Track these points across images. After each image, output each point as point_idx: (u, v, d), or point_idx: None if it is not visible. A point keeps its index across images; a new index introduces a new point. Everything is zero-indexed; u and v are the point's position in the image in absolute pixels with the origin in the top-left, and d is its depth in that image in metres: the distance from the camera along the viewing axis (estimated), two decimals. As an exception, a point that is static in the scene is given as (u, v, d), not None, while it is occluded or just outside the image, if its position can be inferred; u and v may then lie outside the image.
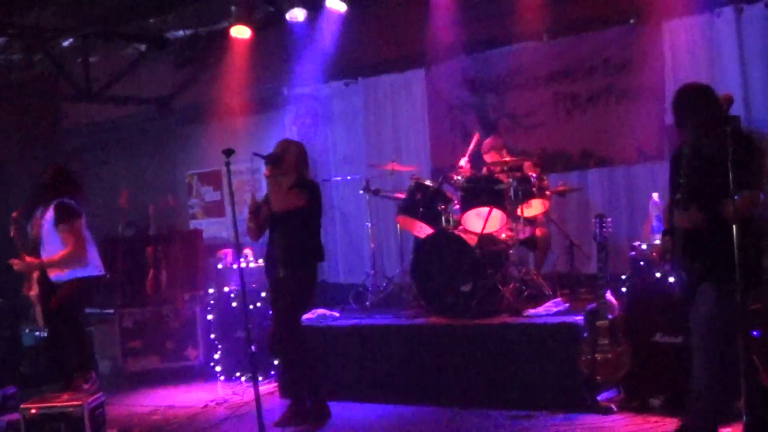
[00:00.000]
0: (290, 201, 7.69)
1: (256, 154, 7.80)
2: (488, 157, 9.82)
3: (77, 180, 8.62)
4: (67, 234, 8.14)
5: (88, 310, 9.29)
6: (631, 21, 10.12)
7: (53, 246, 8.19)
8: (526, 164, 9.52)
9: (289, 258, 7.75)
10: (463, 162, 9.87)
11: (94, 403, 7.64)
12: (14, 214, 8.54)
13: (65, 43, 12.73)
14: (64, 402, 7.59)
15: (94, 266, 8.43)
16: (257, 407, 6.40)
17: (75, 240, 8.15)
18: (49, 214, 8.20)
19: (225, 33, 11.38)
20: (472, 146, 9.99)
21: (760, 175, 5.64)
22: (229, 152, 6.58)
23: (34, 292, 8.46)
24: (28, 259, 8.22)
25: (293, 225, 7.74)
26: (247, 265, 10.45)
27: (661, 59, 9.90)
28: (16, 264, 8.30)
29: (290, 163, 7.82)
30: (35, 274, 8.49)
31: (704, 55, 9.67)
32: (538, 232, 9.63)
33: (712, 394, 5.77)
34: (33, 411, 7.53)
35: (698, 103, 5.87)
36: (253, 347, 6.43)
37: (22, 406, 7.62)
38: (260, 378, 7.47)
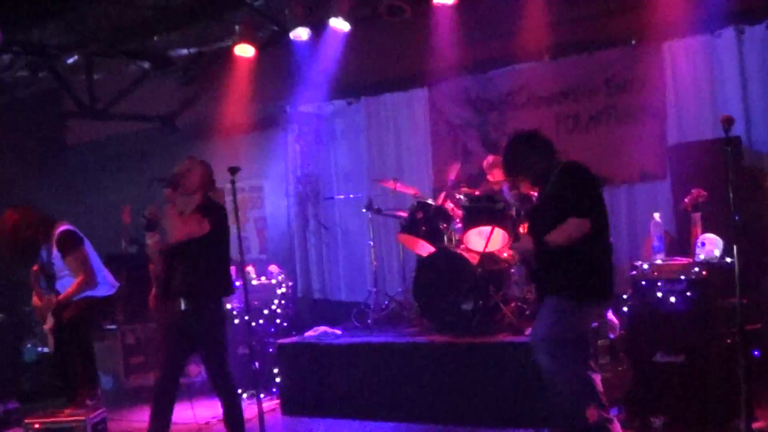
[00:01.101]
0: (190, 228, 6.84)
1: (154, 179, 7.07)
2: (492, 177, 9.86)
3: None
4: (74, 264, 8.16)
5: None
6: (633, 41, 10.19)
7: (68, 277, 8.23)
8: (523, 184, 9.48)
9: (192, 291, 6.88)
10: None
11: (97, 419, 7.68)
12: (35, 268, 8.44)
13: (69, 60, 12.78)
14: (68, 417, 7.62)
15: (103, 286, 8.46)
16: (260, 424, 6.40)
17: (83, 269, 8.15)
18: (55, 249, 8.24)
19: (229, 51, 11.43)
20: (452, 176, 10.07)
21: (586, 202, 6.09)
22: (234, 170, 6.60)
23: (48, 326, 8.41)
24: (46, 298, 8.21)
25: (195, 254, 6.84)
26: (249, 283, 10.46)
27: (662, 80, 9.97)
28: (36, 303, 8.32)
29: (194, 182, 7.11)
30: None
31: (705, 75, 9.76)
32: (539, 251, 9.65)
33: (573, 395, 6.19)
34: (36, 426, 7.57)
35: (526, 151, 6.44)
36: (256, 364, 6.45)
37: (25, 420, 7.66)
38: (262, 395, 7.42)
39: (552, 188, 6.23)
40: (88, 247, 8.41)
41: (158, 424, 7.09)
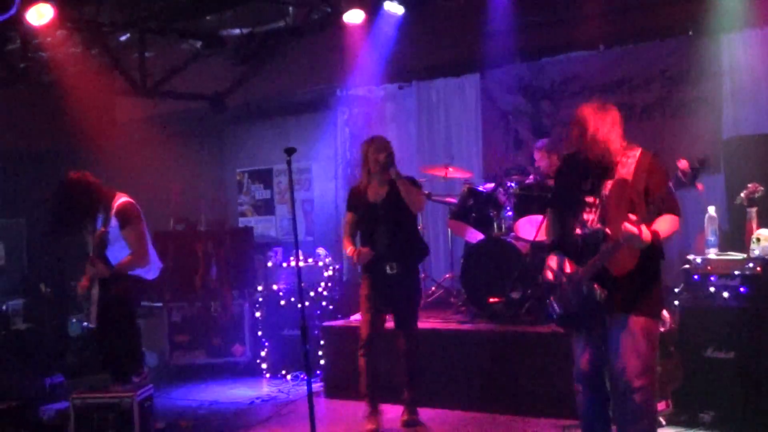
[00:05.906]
0: (421, 198, 7.70)
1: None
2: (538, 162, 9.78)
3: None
4: (131, 237, 7.95)
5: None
6: (690, 33, 10.04)
7: (120, 248, 8.02)
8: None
9: (401, 254, 7.57)
10: None
11: (144, 395, 7.70)
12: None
13: (122, 38, 12.82)
14: (115, 393, 7.65)
15: (153, 268, 8.31)
16: (309, 406, 6.39)
17: (140, 243, 7.99)
18: (113, 220, 8.09)
19: (281, 32, 11.42)
20: None
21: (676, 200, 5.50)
22: (290, 150, 6.48)
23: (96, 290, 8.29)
24: (101, 266, 8.05)
25: (401, 220, 7.61)
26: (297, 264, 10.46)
27: (718, 73, 9.81)
28: (89, 269, 8.16)
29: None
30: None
31: (763, 69, 9.58)
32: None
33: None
34: (84, 400, 7.59)
35: (604, 119, 5.57)
36: (308, 346, 6.42)
37: (72, 395, 7.67)
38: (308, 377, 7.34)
39: (637, 176, 5.48)
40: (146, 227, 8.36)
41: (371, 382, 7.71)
